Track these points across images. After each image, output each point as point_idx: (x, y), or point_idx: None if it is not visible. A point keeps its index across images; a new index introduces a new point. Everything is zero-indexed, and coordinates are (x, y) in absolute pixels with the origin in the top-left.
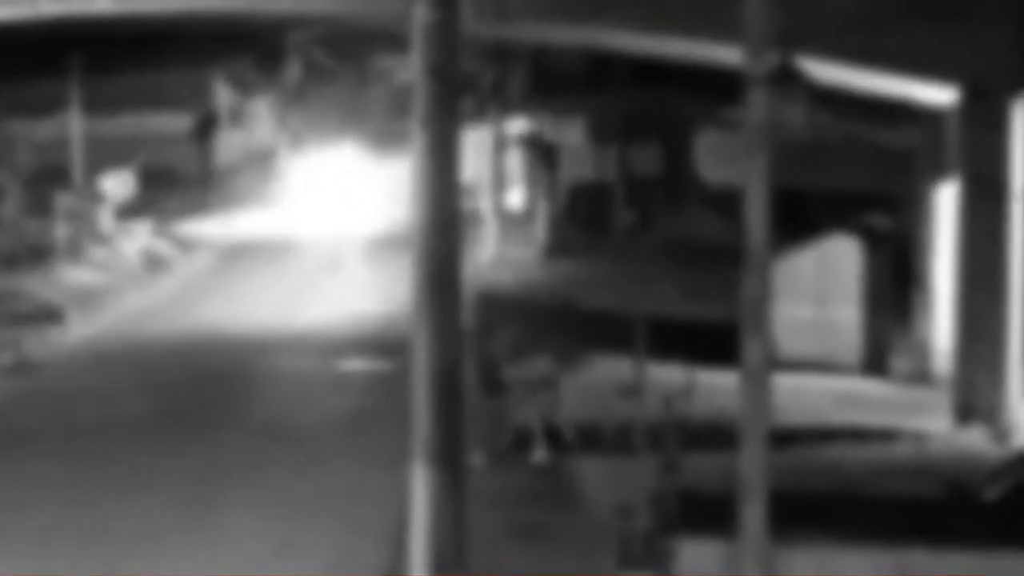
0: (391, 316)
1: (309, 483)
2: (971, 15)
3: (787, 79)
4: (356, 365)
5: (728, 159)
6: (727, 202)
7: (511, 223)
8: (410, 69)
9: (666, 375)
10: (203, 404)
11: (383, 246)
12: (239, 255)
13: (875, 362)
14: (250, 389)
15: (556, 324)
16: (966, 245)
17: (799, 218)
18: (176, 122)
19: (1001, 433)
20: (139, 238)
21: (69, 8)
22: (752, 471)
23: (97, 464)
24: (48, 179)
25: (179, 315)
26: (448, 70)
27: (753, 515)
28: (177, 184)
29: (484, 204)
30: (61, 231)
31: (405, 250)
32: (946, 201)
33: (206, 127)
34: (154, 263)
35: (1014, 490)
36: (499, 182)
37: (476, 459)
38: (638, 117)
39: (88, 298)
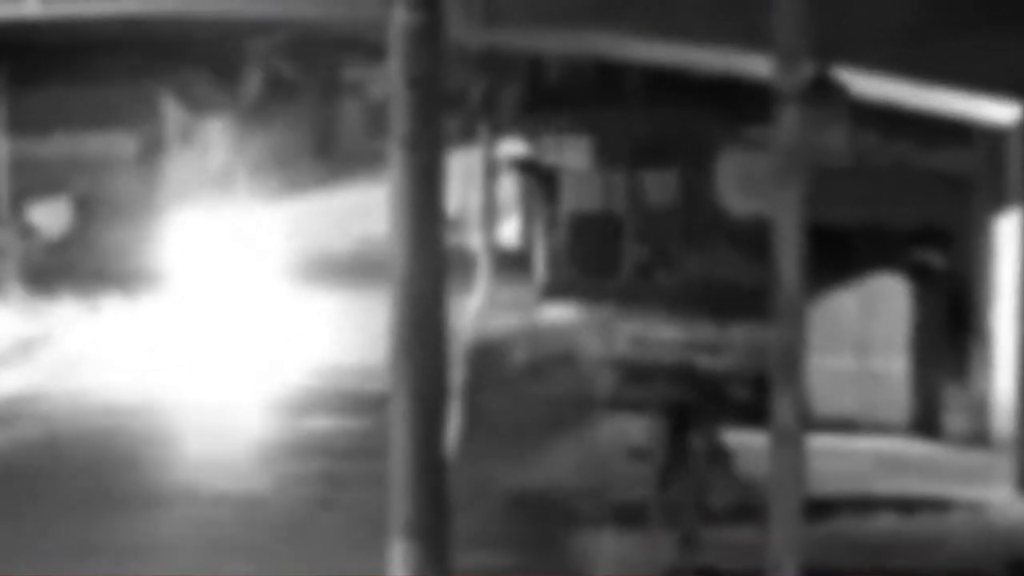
0: None
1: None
2: None
3: (824, 95)
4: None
5: (754, 185)
6: (755, 236)
7: (504, 261)
8: (387, 81)
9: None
10: (142, 473)
11: None
12: None
13: (926, 421)
14: (198, 454)
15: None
16: None
17: (838, 255)
18: (118, 144)
19: None
20: (73, 278)
21: None
22: (783, 545)
23: None
24: None
25: (118, 367)
26: (431, 82)
27: None
28: (119, 216)
29: (473, 239)
30: None
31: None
32: (1008, 234)
33: (152, 150)
34: (91, 307)
35: None
36: (490, 213)
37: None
38: (651, 138)
39: (13, 347)
